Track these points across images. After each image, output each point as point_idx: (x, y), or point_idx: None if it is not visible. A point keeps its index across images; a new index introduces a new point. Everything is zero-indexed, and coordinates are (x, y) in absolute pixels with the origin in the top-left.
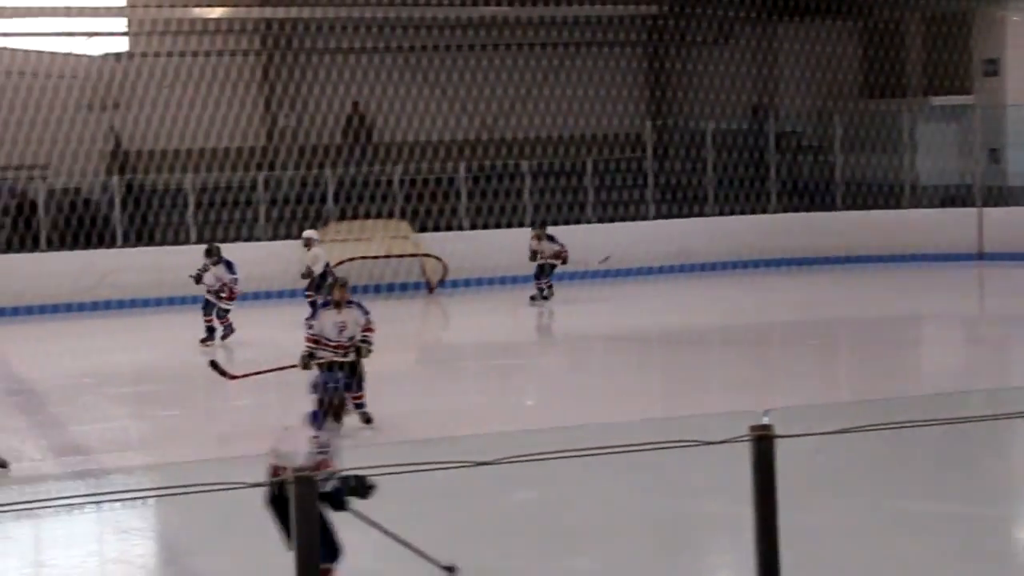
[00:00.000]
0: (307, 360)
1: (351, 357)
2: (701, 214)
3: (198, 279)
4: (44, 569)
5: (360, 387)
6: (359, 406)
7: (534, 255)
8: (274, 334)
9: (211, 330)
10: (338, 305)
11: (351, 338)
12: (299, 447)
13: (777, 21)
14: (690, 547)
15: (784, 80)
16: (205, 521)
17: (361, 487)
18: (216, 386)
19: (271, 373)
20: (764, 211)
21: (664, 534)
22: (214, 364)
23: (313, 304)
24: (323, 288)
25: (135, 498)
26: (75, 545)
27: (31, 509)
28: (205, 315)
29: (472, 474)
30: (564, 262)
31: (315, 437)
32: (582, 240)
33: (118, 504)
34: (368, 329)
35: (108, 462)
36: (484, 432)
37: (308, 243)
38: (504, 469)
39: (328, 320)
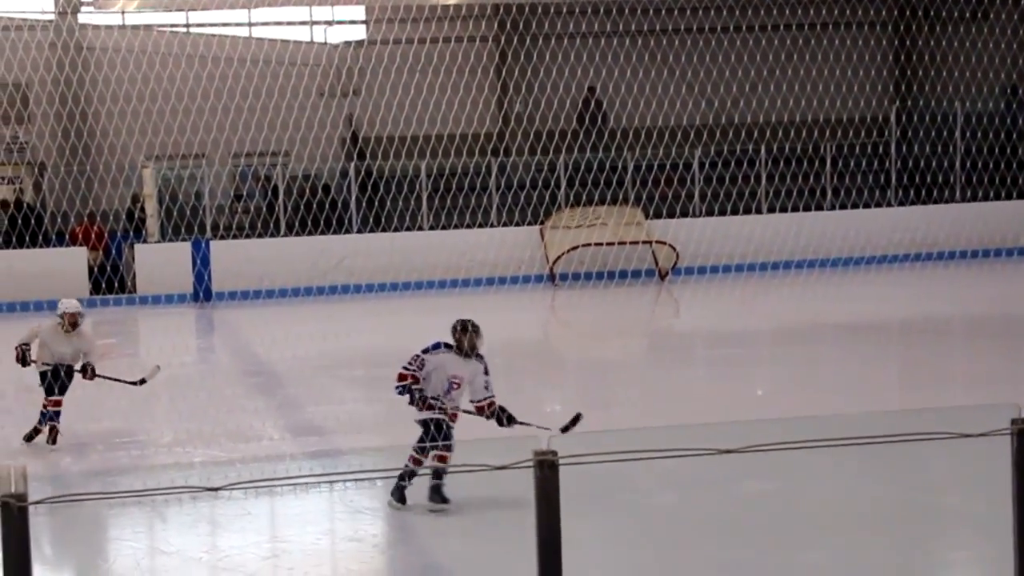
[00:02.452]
0: None
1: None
2: (948, 200)
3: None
4: (280, 544)
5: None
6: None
7: None
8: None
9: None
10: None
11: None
12: None
13: None
14: (932, 543)
15: None
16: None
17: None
18: None
19: None
20: (1018, 196)
21: (904, 529)
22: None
23: None
24: None
25: (369, 478)
26: (310, 523)
27: (270, 487)
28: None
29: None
30: None
31: None
32: (823, 228)
33: (351, 484)
34: None
35: (342, 443)
36: (714, 421)
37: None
38: (736, 458)
39: None
